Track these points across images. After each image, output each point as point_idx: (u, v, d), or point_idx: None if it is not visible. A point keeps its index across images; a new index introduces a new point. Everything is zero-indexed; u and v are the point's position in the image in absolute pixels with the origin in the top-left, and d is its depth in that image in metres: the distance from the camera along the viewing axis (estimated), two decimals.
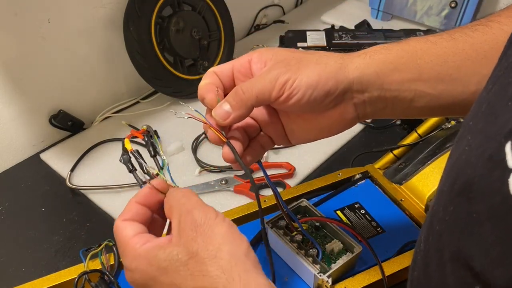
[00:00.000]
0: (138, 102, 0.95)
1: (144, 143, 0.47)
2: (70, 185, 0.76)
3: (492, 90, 0.30)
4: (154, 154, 0.46)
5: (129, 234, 0.38)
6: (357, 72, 0.42)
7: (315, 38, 1.00)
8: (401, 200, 0.67)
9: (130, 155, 0.44)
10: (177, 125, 0.88)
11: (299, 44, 0.97)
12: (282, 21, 1.22)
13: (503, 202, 0.25)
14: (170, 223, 0.40)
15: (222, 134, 0.42)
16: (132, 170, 0.44)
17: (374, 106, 0.44)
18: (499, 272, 0.26)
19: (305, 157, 0.81)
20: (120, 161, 0.43)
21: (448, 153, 0.73)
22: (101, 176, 0.78)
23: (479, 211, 0.27)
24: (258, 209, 0.47)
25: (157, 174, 0.43)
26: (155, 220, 0.42)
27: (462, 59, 0.42)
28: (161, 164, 0.81)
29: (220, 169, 0.78)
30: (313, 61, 0.42)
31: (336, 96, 0.42)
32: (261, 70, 0.43)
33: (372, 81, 0.42)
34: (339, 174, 0.71)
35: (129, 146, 0.43)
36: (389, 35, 1.00)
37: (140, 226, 0.40)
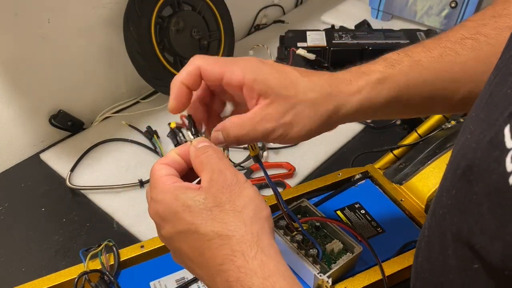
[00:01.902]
0: (138, 102, 0.95)
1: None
2: (70, 185, 0.75)
3: (494, 81, 0.31)
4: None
5: (163, 173, 0.40)
6: (348, 112, 0.44)
7: (315, 38, 1.00)
8: (401, 200, 0.67)
9: (176, 130, 0.46)
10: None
11: (299, 44, 0.97)
12: (282, 21, 1.22)
13: (499, 180, 0.26)
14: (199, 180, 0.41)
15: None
16: (175, 145, 0.46)
17: (354, 120, 0.47)
18: (495, 247, 0.27)
19: (305, 157, 0.81)
20: (167, 136, 0.46)
21: (449, 152, 0.73)
22: (101, 176, 0.78)
23: (478, 192, 0.28)
24: None
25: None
26: (189, 176, 0.44)
27: (448, 80, 0.45)
28: None
29: None
30: (306, 113, 0.43)
31: (324, 129, 0.45)
32: (253, 102, 0.43)
33: (359, 115, 0.45)
34: (339, 174, 0.71)
35: (173, 125, 0.45)
36: (389, 35, 1.00)
37: (174, 171, 0.41)
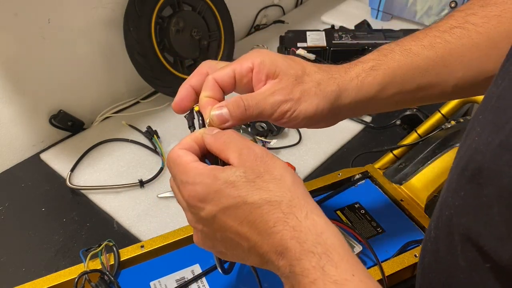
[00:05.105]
0: (138, 102, 0.95)
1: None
2: (70, 185, 0.75)
3: (502, 85, 0.32)
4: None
5: (190, 159, 0.40)
6: (350, 98, 0.46)
7: (315, 38, 1.00)
8: (401, 200, 0.67)
9: (195, 114, 0.46)
10: (177, 125, 0.88)
11: (299, 44, 0.97)
12: (282, 21, 1.22)
13: (510, 183, 0.26)
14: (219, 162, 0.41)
15: None
16: (190, 126, 0.47)
17: (356, 113, 0.49)
18: (505, 249, 0.27)
19: (305, 157, 0.81)
20: (185, 117, 0.46)
21: (448, 153, 0.73)
22: (101, 176, 0.78)
23: (488, 194, 0.28)
24: None
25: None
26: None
27: (440, 66, 0.47)
28: (161, 164, 0.82)
29: None
30: (313, 91, 0.44)
31: (329, 118, 0.47)
32: (261, 84, 0.44)
33: (361, 103, 0.47)
34: (339, 174, 0.71)
35: (197, 108, 0.45)
36: (389, 35, 1.00)
37: (196, 157, 0.42)
